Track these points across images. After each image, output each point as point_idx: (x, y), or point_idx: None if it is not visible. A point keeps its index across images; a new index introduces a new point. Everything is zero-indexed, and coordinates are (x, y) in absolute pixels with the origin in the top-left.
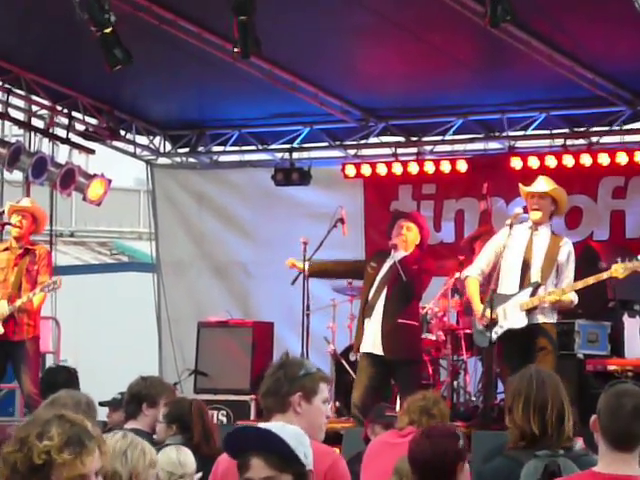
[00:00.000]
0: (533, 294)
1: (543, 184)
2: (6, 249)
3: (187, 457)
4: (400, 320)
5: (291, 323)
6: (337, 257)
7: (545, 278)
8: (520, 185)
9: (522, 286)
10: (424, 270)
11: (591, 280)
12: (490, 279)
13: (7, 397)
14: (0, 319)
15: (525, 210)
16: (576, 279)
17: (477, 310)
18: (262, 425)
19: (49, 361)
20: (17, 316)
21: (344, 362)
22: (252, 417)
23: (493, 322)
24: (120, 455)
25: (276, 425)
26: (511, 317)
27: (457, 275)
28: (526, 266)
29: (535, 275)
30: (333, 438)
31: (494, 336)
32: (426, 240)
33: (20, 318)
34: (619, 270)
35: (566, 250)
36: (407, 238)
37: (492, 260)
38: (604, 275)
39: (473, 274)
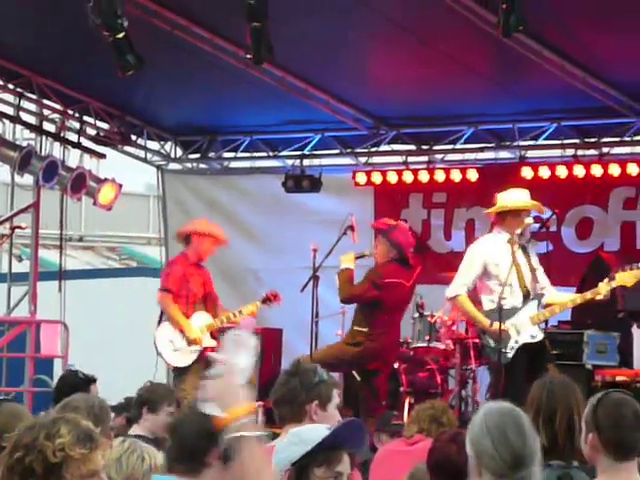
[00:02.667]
0: (542, 306)
1: (517, 197)
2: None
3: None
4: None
5: (301, 330)
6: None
7: (543, 288)
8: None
9: (524, 300)
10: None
11: (589, 295)
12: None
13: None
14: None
15: (536, 220)
16: (586, 289)
17: (483, 325)
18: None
19: (57, 366)
20: None
21: (353, 371)
22: (259, 423)
23: (505, 337)
24: (114, 462)
25: None
26: (524, 331)
27: None
28: (520, 280)
29: (530, 288)
30: None
31: (510, 352)
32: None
33: None
34: (625, 279)
35: (534, 255)
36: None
37: (479, 275)
38: (612, 284)
39: (462, 293)
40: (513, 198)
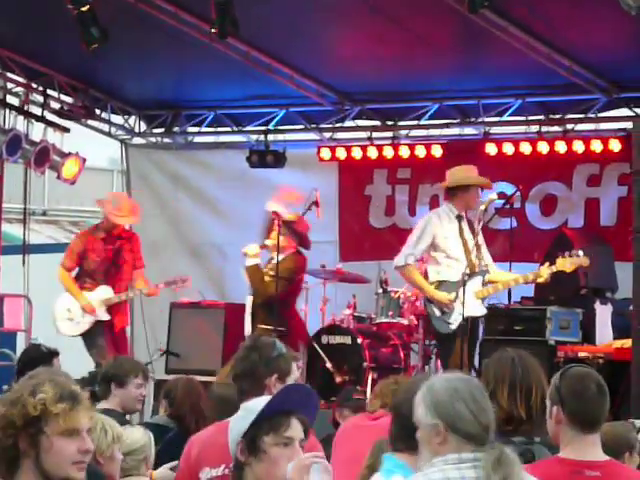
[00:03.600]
0: (484, 283)
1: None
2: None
3: (132, 434)
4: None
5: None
6: (311, 239)
7: (488, 265)
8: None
9: (470, 274)
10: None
11: (531, 277)
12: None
13: None
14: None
15: (500, 196)
16: (549, 265)
17: (438, 295)
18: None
19: (20, 339)
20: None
21: (316, 345)
22: None
23: (450, 308)
24: None
25: None
26: (468, 304)
27: None
28: (466, 254)
29: (475, 263)
30: None
31: (454, 323)
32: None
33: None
34: (566, 264)
35: (479, 231)
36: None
37: (428, 247)
38: (553, 268)
39: (411, 262)
40: (463, 174)
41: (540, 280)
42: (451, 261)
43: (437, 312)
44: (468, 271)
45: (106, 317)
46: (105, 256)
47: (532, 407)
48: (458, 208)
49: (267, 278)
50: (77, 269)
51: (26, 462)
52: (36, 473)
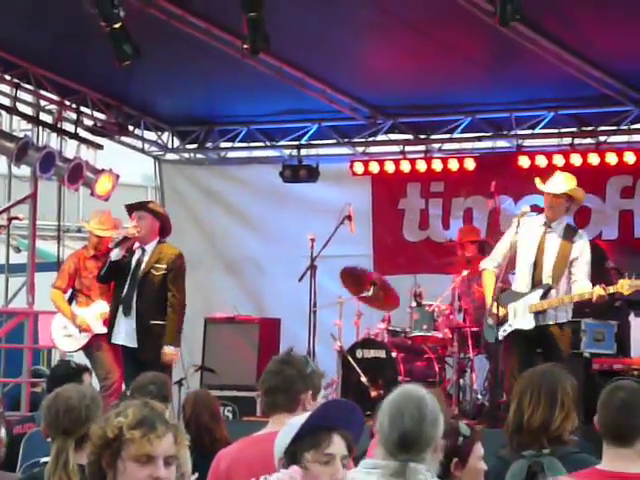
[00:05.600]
0: (544, 296)
1: (558, 184)
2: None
3: None
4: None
5: (300, 319)
6: (345, 254)
7: (556, 280)
8: (537, 180)
9: (533, 286)
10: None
11: (586, 295)
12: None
13: (13, 391)
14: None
15: (532, 209)
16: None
17: (488, 305)
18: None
19: (55, 357)
20: None
21: (350, 359)
22: (258, 413)
23: (502, 320)
24: None
25: None
26: (520, 317)
27: (464, 273)
28: (538, 265)
29: (546, 276)
30: None
31: (501, 334)
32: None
33: None
34: (624, 286)
35: (579, 245)
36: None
37: (508, 254)
38: (610, 289)
39: (490, 267)
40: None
41: (594, 298)
42: (518, 270)
43: (490, 321)
44: (530, 283)
45: (103, 330)
46: (98, 273)
47: (555, 419)
48: (548, 216)
49: None
50: (71, 290)
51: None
52: None
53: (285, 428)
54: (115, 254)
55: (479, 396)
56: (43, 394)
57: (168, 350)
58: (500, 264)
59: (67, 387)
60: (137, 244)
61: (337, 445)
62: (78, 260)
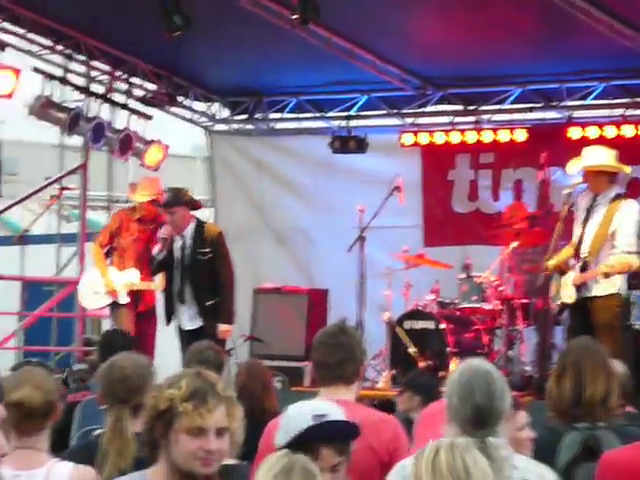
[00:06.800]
0: (583, 270)
1: (584, 159)
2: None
3: None
4: None
5: (348, 290)
6: (394, 224)
7: (595, 252)
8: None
9: (577, 259)
10: None
11: (617, 266)
12: None
13: (65, 359)
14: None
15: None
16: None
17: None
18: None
19: (105, 325)
20: None
21: (399, 330)
22: (306, 384)
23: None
24: None
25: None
26: (565, 291)
27: (514, 245)
28: (582, 239)
29: (585, 249)
30: (387, 407)
31: (556, 309)
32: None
33: None
34: None
35: (620, 216)
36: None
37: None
38: None
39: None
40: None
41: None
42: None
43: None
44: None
45: (126, 301)
46: (138, 237)
47: (595, 394)
48: (592, 190)
49: None
50: (108, 247)
51: (162, 449)
52: (167, 461)
53: (284, 418)
54: (159, 256)
55: (527, 368)
56: (94, 363)
57: (223, 327)
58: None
59: (121, 356)
60: (175, 233)
61: (325, 459)
62: (122, 220)
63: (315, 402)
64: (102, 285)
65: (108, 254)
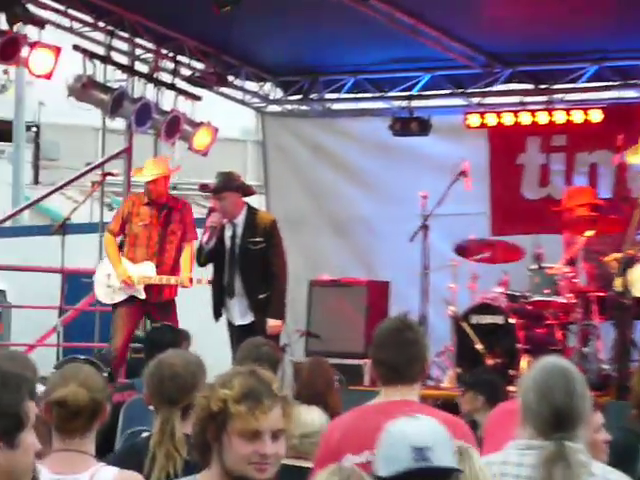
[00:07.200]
0: None
1: None
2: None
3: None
4: None
5: (410, 282)
6: (460, 212)
7: None
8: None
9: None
10: None
11: None
12: None
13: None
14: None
15: None
16: None
17: None
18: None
19: None
20: None
21: (465, 325)
22: (366, 382)
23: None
24: None
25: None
26: (635, 284)
27: (589, 234)
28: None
29: None
30: (452, 408)
31: (628, 303)
32: None
33: None
34: None
35: None
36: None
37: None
38: None
39: None
40: None
41: None
42: None
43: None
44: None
45: (142, 296)
46: (150, 222)
47: None
48: None
49: None
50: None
51: (214, 453)
52: (220, 465)
53: (388, 439)
54: (209, 245)
55: (605, 366)
56: (141, 360)
57: (273, 322)
58: None
59: (170, 353)
60: (225, 220)
61: None
62: (132, 204)
63: (414, 424)
64: (115, 279)
65: (122, 247)
